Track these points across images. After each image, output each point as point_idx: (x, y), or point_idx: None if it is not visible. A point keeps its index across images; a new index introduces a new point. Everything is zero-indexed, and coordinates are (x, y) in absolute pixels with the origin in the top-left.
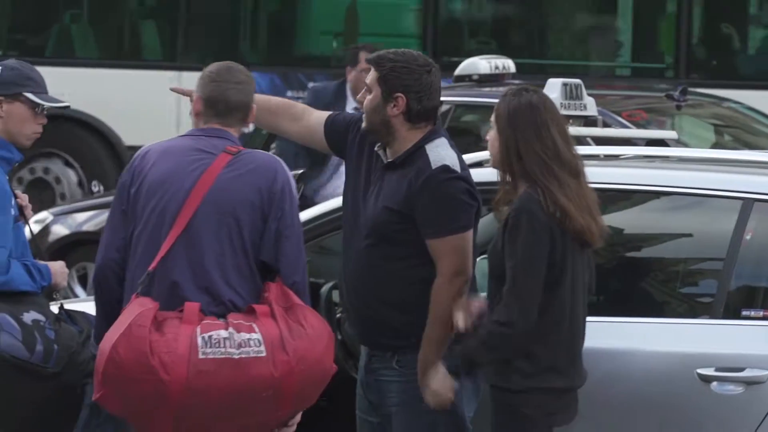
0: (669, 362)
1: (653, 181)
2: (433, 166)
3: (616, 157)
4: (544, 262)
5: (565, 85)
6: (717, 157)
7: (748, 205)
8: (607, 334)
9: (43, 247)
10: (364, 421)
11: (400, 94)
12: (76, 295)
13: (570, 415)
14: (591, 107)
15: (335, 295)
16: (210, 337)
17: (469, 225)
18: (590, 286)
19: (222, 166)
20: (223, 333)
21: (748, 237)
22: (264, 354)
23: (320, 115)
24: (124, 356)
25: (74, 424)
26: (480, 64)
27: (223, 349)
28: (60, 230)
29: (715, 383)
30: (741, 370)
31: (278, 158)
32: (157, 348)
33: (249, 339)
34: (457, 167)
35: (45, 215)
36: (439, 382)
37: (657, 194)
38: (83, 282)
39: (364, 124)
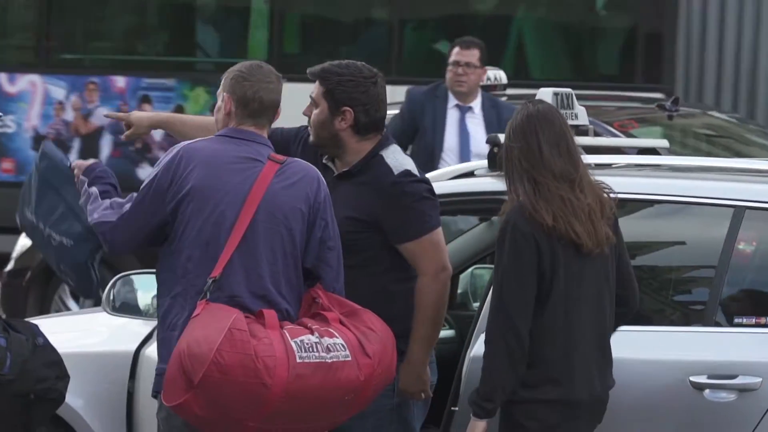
0: (662, 370)
1: (645, 189)
2: (396, 172)
3: (607, 165)
4: (532, 274)
5: (556, 94)
6: (708, 165)
7: (739, 212)
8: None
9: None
10: None
11: (347, 108)
12: (68, 308)
13: (577, 427)
14: (582, 116)
15: None
16: (302, 341)
17: (439, 222)
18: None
19: (272, 175)
20: (313, 338)
21: (740, 245)
22: (350, 358)
23: None
24: (229, 360)
25: None
26: None
27: (316, 354)
28: None
29: (708, 391)
30: (734, 377)
31: (315, 168)
32: (260, 352)
33: (335, 343)
34: (416, 171)
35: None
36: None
37: (649, 202)
38: (76, 296)
39: (312, 138)
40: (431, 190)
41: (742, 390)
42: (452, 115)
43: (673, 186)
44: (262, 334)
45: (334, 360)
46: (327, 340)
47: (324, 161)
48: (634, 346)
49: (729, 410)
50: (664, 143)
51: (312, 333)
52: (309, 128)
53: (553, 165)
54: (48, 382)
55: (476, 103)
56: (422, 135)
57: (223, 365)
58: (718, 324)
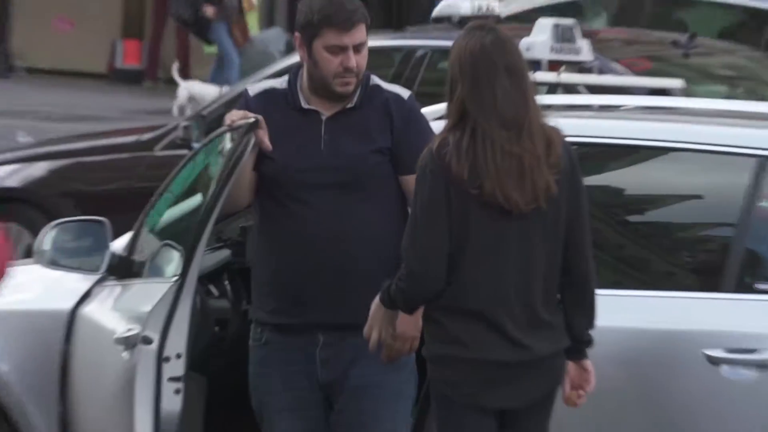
0: (674, 341)
1: (657, 135)
2: (405, 96)
3: (615, 107)
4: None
5: (556, 26)
6: (729, 110)
7: (763, 163)
8: (604, 309)
9: None
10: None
11: None
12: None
13: (484, 389)
14: (585, 52)
15: None
16: None
17: None
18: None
19: None
20: None
21: (763, 201)
22: None
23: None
24: None
25: None
26: (462, 4)
27: None
28: None
29: (725, 366)
30: (753, 351)
31: None
32: None
33: None
34: None
35: None
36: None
37: (662, 150)
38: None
39: (353, 86)
40: None
41: (763, 366)
42: None
43: (689, 132)
44: None
45: None
46: None
47: (307, 107)
48: (641, 313)
49: (748, 389)
50: (678, 83)
51: None
52: (354, 77)
53: (505, 110)
54: None
55: None
56: None
57: None
58: (737, 290)
